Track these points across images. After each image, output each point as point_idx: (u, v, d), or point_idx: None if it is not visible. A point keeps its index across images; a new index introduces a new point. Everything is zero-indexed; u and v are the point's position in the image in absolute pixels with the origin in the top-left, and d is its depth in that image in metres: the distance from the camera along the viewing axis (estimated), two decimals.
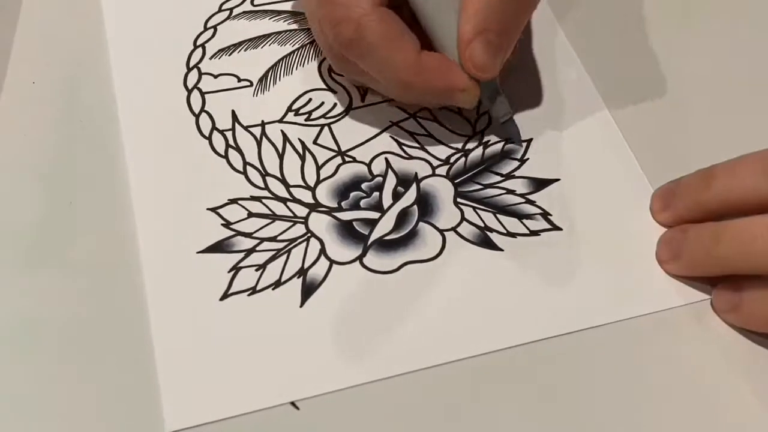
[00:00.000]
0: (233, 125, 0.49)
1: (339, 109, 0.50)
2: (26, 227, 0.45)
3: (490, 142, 0.48)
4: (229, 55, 0.52)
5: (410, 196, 0.46)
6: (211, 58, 0.51)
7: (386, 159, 0.48)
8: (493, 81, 0.45)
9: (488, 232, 0.45)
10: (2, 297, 0.43)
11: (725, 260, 0.41)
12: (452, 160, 0.48)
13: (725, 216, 0.42)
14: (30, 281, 0.43)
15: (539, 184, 0.47)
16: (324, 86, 0.51)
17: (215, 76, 0.51)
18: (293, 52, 0.52)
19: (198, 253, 0.44)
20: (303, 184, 0.47)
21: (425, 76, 0.44)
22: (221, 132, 0.48)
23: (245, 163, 0.47)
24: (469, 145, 0.48)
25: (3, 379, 0.40)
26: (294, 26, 0.53)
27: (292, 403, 0.40)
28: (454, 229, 0.45)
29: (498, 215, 0.45)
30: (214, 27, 0.53)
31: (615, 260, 0.44)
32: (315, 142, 0.48)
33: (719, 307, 0.42)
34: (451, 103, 0.46)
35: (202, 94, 0.50)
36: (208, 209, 0.46)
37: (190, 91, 0.50)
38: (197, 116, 0.49)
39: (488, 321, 0.42)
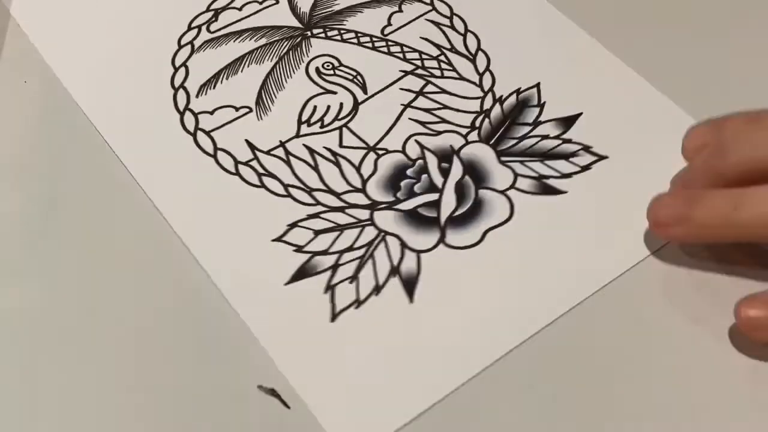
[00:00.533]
0: (255, 154, 0.47)
1: (347, 107, 0.49)
2: (15, 226, 0.45)
3: (503, 97, 0.49)
4: (213, 87, 0.50)
5: (457, 169, 0.47)
6: (197, 97, 0.50)
7: (417, 141, 0.48)
8: None
9: (545, 180, 0.46)
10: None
11: (745, 228, 0.40)
12: (477, 123, 0.48)
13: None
14: (19, 280, 0.44)
15: (567, 122, 0.48)
16: (321, 90, 0.50)
17: (211, 113, 0.49)
18: (274, 66, 0.51)
19: (286, 285, 0.43)
20: (351, 188, 0.46)
21: None
22: (246, 164, 0.47)
23: (285, 186, 0.46)
24: (485, 105, 0.49)
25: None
26: (262, 41, 0.52)
27: (283, 402, 0.39)
28: (513, 187, 0.46)
29: (545, 161, 0.47)
30: (184, 65, 0.51)
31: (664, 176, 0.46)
32: (341, 146, 0.48)
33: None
34: None
35: (208, 133, 0.48)
36: (272, 240, 0.44)
37: (194, 135, 0.48)
38: (214, 156, 0.48)
39: (583, 263, 0.43)
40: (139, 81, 0.51)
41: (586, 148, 0.47)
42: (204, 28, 0.53)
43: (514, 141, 0.48)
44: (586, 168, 0.47)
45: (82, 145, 0.48)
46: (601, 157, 0.47)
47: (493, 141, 0.48)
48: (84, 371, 0.41)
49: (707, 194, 0.41)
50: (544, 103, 0.49)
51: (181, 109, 0.49)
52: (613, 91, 0.49)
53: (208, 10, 0.54)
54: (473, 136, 0.48)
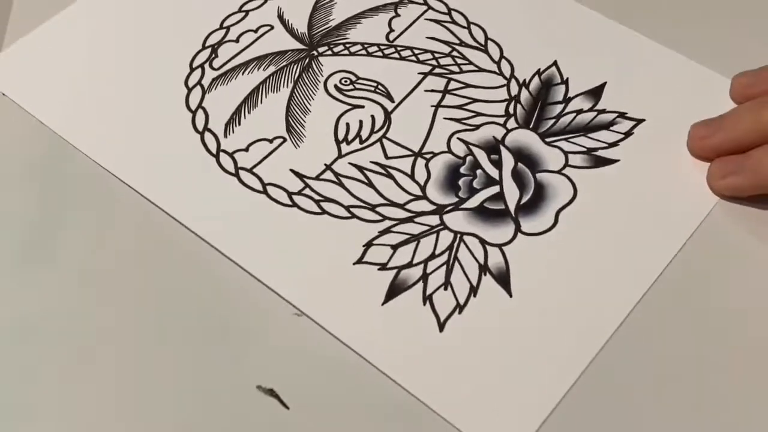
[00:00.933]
0: (305, 182, 0.47)
1: (379, 119, 0.49)
2: (19, 226, 0.45)
3: (526, 81, 0.50)
4: (239, 124, 0.49)
5: (508, 158, 0.47)
6: (226, 137, 0.48)
7: (459, 138, 0.48)
8: None
9: (595, 152, 0.47)
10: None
11: None
12: (510, 110, 0.49)
13: None
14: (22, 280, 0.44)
15: (595, 93, 0.49)
16: (348, 106, 0.50)
17: (246, 150, 0.48)
18: (292, 91, 0.50)
19: (383, 305, 0.43)
20: (412, 197, 0.46)
21: None
22: (300, 194, 0.46)
23: (347, 208, 0.46)
24: (512, 91, 0.50)
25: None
26: (271, 68, 0.51)
27: (282, 402, 0.40)
28: (567, 165, 0.47)
29: (588, 135, 0.48)
30: (200, 107, 0.50)
31: None
32: (387, 157, 0.47)
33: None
34: None
35: (250, 171, 0.47)
36: (354, 264, 0.44)
37: (237, 175, 0.47)
38: (265, 192, 0.46)
39: (659, 222, 0.45)
40: (159, 133, 0.49)
41: (622, 115, 0.48)
42: (207, 66, 0.51)
43: (552, 121, 0.48)
44: (628, 134, 0.48)
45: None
46: (639, 121, 0.48)
47: (532, 125, 0.48)
48: (86, 371, 0.41)
49: (758, 150, 0.44)
50: (567, 79, 0.50)
51: (214, 151, 0.48)
52: (627, 57, 0.51)
53: (204, 47, 0.52)
54: (511, 123, 0.48)
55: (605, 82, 0.50)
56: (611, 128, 0.48)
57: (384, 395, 0.40)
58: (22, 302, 0.43)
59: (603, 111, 0.49)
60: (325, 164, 0.47)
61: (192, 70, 0.51)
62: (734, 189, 0.45)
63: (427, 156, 0.47)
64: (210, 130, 0.49)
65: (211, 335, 0.42)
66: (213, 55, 0.52)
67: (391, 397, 0.40)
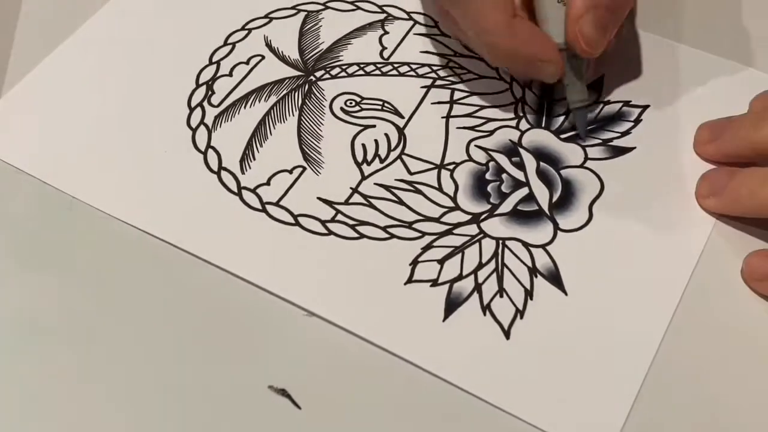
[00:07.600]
0: (335, 209, 0.44)
1: (393, 136, 0.46)
2: (26, 229, 0.43)
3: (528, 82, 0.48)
4: (254, 159, 0.46)
5: (529, 158, 0.45)
6: (243, 173, 0.45)
7: (477, 146, 0.46)
8: (581, 63, 0.44)
9: (611, 143, 0.46)
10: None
11: None
12: (519, 112, 0.47)
13: None
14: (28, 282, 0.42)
15: (596, 86, 0.48)
16: (359, 127, 0.47)
17: (268, 183, 0.45)
18: (300, 119, 0.47)
19: (444, 321, 0.40)
20: (446, 209, 0.44)
21: (513, 41, 0.42)
22: (333, 221, 0.43)
23: (384, 229, 0.43)
24: (517, 94, 0.48)
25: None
26: (272, 99, 0.48)
27: (294, 402, 0.38)
28: (587, 158, 0.45)
29: (600, 126, 0.46)
30: (210, 147, 0.46)
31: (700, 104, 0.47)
32: (411, 173, 0.45)
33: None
34: (534, 74, 0.45)
35: (277, 204, 0.44)
36: (405, 284, 0.41)
37: (265, 211, 0.44)
38: (297, 223, 0.43)
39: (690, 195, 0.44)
40: (173, 178, 0.45)
41: (627, 103, 0.47)
42: (206, 104, 0.48)
43: (562, 116, 0.47)
44: (637, 121, 0.47)
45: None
46: (644, 107, 0.47)
47: (544, 123, 0.46)
48: (91, 372, 0.39)
49: (743, 173, 0.42)
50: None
51: (236, 190, 0.44)
52: (618, 47, 0.49)
53: (199, 85, 0.48)
54: (523, 124, 0.47)
55: (603, 75, 0.48)
56: (620, 117, 0.47)
57: (392, 395, 0.38)
58: (24, 303, 0.41)
59: (608, 102, 0.47)
60: (351, 188, 0.44)
61: (191, 110, 0.48)
62: (716, 212, 0.42)
63: (450, 167, 0.45)
64: (226, 169, 0.45)
65: (223, 334, 0.40)
66: (210, 92, 0.48)
67: (398, 397, 0.38)
